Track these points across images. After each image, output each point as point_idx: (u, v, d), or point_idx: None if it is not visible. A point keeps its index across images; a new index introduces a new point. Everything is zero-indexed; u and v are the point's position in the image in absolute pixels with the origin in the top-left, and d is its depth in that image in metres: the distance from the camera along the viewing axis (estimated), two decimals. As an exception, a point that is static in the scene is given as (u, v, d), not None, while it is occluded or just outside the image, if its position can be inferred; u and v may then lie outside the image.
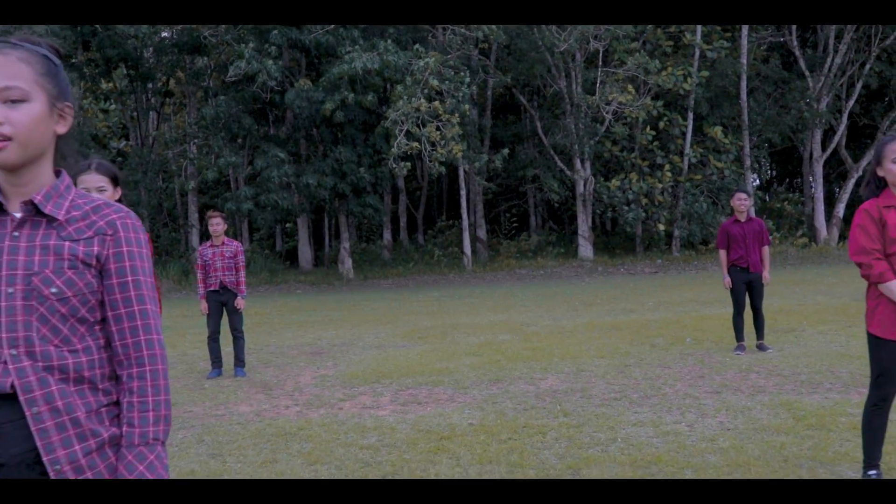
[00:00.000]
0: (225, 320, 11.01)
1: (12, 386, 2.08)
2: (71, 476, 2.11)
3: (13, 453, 2.09)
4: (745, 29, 34.96)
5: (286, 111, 33.01)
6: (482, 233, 37.34)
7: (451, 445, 6.63)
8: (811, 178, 38.49)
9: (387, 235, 39.50)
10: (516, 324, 15.84)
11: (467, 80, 30.10)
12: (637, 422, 7.23)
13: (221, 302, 10.89)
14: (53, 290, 2.11)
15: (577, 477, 5.51)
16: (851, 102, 36.52)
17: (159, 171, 38.71)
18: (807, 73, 36.02)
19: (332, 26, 30.08)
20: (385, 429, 7.37)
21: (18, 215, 2.15)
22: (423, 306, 21.45)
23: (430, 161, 29.15)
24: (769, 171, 51.44)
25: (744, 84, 35.06)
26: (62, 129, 2.23)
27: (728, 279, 11.00)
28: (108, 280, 2.20)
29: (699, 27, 34.21)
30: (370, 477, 5.78)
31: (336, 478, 5.73)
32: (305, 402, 8.88)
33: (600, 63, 32.73)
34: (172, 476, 5.77)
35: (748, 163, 35.84)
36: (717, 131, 34.61)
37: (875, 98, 39.42)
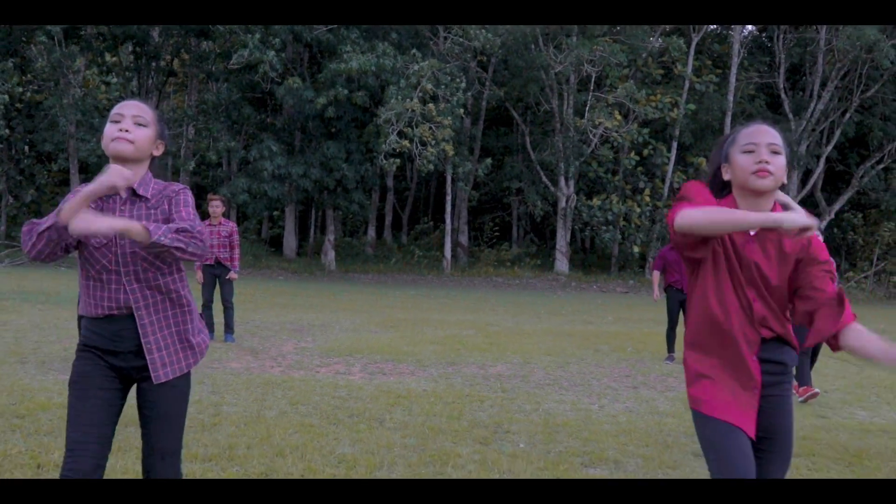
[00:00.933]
0: (217, 291, 12.75)
1: (126, 302, 3.70)
2: (158, 363, 3.68)
3: (129, 347, 3.68)
4: (734, 66, 36.88)
5: (282, 103, 34.71)
6: (464, 238, 39.13)
7: (405, 402, 8.36)
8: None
9: (371, 232, 41.22)
10: (482, 323, 17.59)
11: (463, 85, 31.91)
12: (560, 400, 8.98)
13: (215, 275, 12.66)
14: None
15: (501, 431, 7.24)
16: (829, 148, 38.53)
17: (159, 148, 40.34)
18: (790, 115, 37.99)
19: (336, 25, 31.79)
20: (354, 387, 9.10)
21: (124, 196, 3.80)
22: (399, 301, 23.19)
23: (420, 158, 30.91)
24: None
25: (728, 120, 36.96)
26: (157, 153, 3.86)
27: (657, 294, 12.92)
28: (173, 214, 3.80)
29: (691, 59, 36.12)
30: (340, 416, 7.51)
31: (312, 417, 7.43)
32: (288, 365, 10.59)
33: (592, 87, 34.55)
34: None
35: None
36: (702, 162, 36.45)
37: (852, 146, 41.46)
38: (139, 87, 41.11)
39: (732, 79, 37.07)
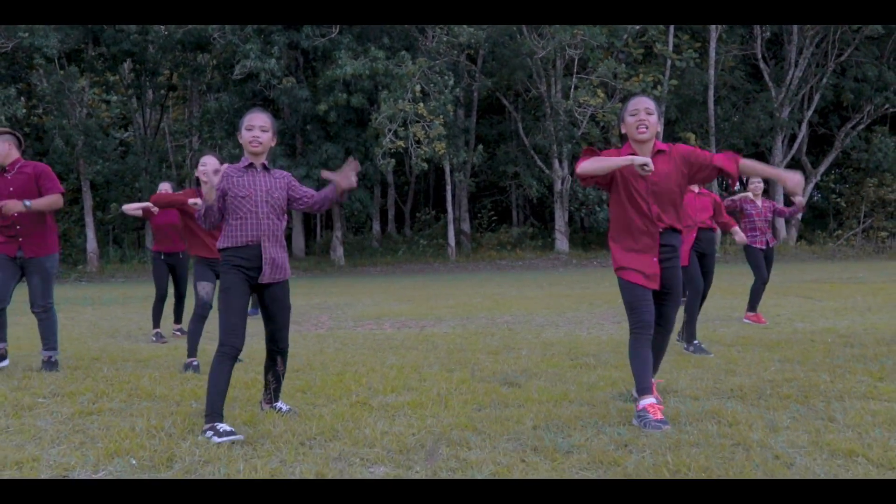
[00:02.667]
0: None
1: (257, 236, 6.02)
2: (267, 272, 6.02)
3: (257, 264, 5.95)
4: (713, 41, 39.23)
5: (280, 105, 37.04)
6: (466, 226, 41.54)
7: (431, 339, 10.75)
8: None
9: (376, 227, 43.69)
10: (489, 294, 20.02)
11: (451, 83, 34.34)
12: (555, 332, 11.38)
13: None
14: (278, 198, 6.05)
15: (508, 349, 9.60)
16: (810, 112, 40.96)
17: (161, 160, 42.79)
18: (770, 84, 40.43)
19: (332, 34, 34.19)
20: (388, 335, 11.49)
21: (260, 170, 6.09)
22: (411, 285, 25.62)
23: (415, 158, 33.36)
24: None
25: (711, 93, 39.34)
26: (273, 144, 6.18)
27: None
28: (291, 192, 6.15)
29: (671, 38, 38.52)
30: (383, 347, 9.89)
31: (362, 349, 9.77)
32: (329, 328, 12.99)
33: (575, 69, 36.93)
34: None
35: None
36: (691, 137, 38.83)
37: (834, 109, 43.90)
38: (140, 104, 43.53)
39: (712, 52, 39.39)
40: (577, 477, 4.32)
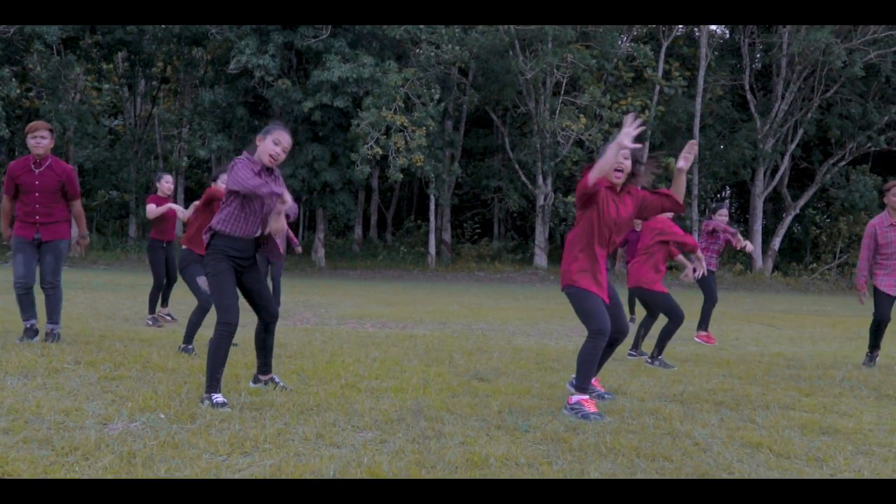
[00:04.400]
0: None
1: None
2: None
3: (250, 254, 6.92)
4: (702, 69, 40.46)
5: (272, 105, 38.00)
6: (447, 236, 42.62)
7: (411, 338, 11.77)
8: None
9: (357, 231, 44.71)
10: (466, 303, 21.06)
11: (437, 96, 35.46)
12: (526, 339, 12.42)
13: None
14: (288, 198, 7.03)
15: (481, 351, 10.61)
16: (793, 146, 42.25)
17: (150, 151, 43.72)
18: (756, 115, 41.70)
19: (325, 35, 35.20)
20: (370, 333, 12.50)
21: (272, 174, 7.02)
22: (390, 290, 26.66)
23: (393, 169, 34.41)
24: (729, 205, 57.16)
25: (696, 121, 40.57)
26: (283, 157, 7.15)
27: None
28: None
29: (661, 64, 39.71)
30: (366, 342, 10.88)
31: (346, 343, 10.76)
32: (314, 324, 13.99)
33: (562, 92, 38.05)
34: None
35: (696, 192, 41.30)
36: (671, 162, 39.99)
37: (817, 145, 45.27)
38: (132, 93, 44.47)
39: (700, 81, 40.63)
40: (530, 451, 5.34)
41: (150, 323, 12.46)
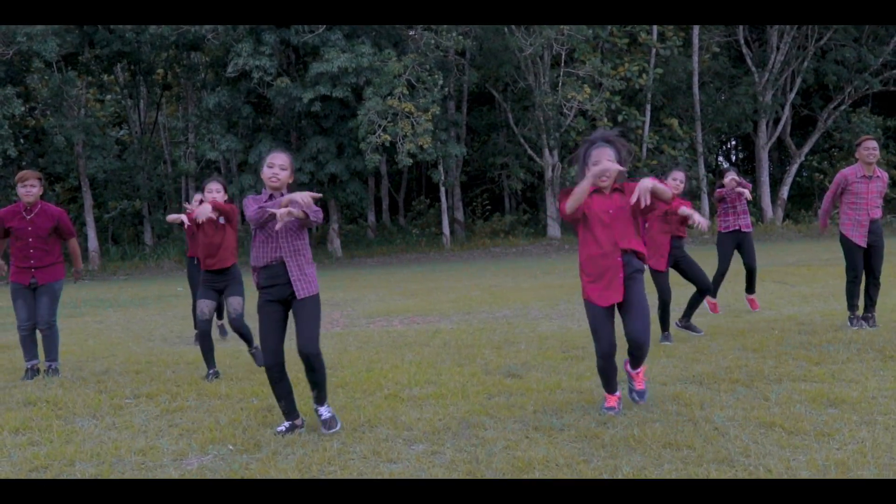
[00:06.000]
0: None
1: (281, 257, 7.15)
2: (300, 287, 7.18)
3: (283, 281, 7.11)
4: (696, 28, 40.84)
5: (274, 103, 38.51)
6: (459, 214, 43.18)
7: (439, 335, 12.35)
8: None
9: (371, 217, 45.25)
10: (486, 286, 21.64)
11: (440, 82, 35.92)
12: (549, 325, 13.00)
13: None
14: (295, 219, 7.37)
15: (508, 343, 11.18)
16: (793, 95, 42.72)
17: (159, 157, 44.32)
18: (753, 69, 42.15)
19: (321, 30, 35.67)
20: (399, 332, 13.09)
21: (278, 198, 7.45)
22: (409, 277, 27.22)
23: (401, 154, 34.88)
24: (733, 157, 57.57)
25: (695, 79, 41.02)
26: (290, 181, 7.20)
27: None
28: None
29: (655, 27, 40.09)
30: (398, 344, 11.47)
31: (381, 347, 11.34)
32: (343, 325, 14.59)
33: (562, 64, 38.47)
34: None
35: (700, 149, 41.77)
36: (674, 122, 40.52)
37: (816, 91, 45.64)
38: (135, 102, 45.01)
39: (695, 39, 41.04)
40: (567, 448, 5.93)
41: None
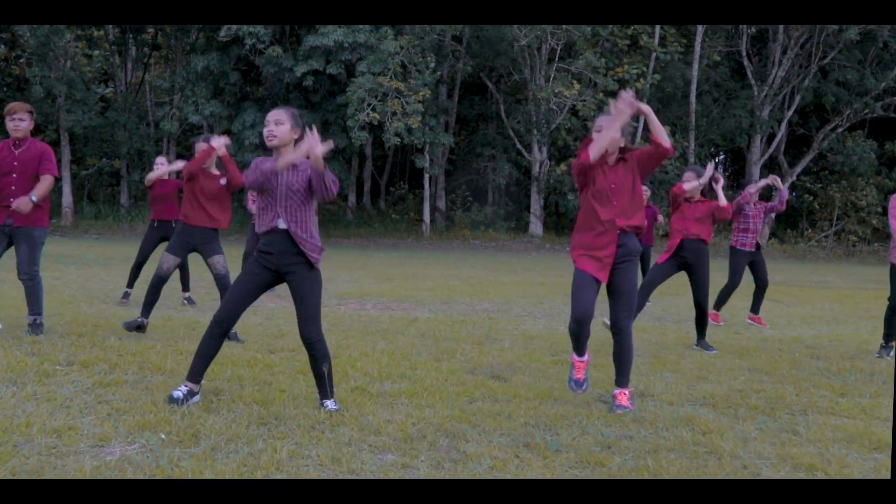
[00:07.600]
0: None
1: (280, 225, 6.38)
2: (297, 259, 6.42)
3: (279, 250, 6.36)
4: (699, 35, 39.89)
5: (264, 72, 37.43)
6: (441, 203, 42.11)
7: (416, 324, 11.29)
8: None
9: (351, 198, 44.14)
10: (465, 276, 20.60)
11: (433, 65, 34.85)
12: (534, 324, 11.95)
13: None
14: (299, 187, 6.43)
15: (490, 339, 10.14)
16: (790, 113, 41.79)
17: (142, 118, 43.04)
18: (753, 82, 41.19)
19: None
20: (373, 317, 12.02)
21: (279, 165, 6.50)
22: (386, 261, 26.16)
23: (388, 134, 33.82)
24: (722, 170, 56.72)
25: (693, 88, 40.04)
26: (296, 136, 6.48)
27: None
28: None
29: (657, 31, 39.10)
30: (371, 330, 10.40)
31: (351, 331, 10.27)
32: (313, 304, 13.49)
33: (557, 59, 37.46)
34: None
35: (692, 160, 40.81)
36: (667, 129, 39.54)
37: (813, 111, 44.81)
38: (122, 60, 43.73)
39: (697, 47, 40.08)
40: (567, 476, 4.86)
41: (123, 298, 12.59)
